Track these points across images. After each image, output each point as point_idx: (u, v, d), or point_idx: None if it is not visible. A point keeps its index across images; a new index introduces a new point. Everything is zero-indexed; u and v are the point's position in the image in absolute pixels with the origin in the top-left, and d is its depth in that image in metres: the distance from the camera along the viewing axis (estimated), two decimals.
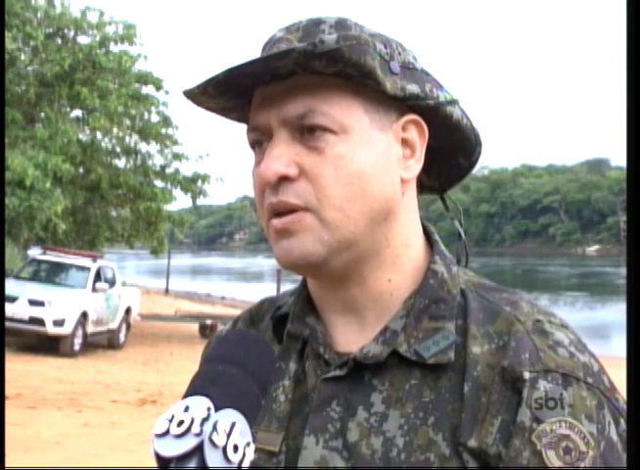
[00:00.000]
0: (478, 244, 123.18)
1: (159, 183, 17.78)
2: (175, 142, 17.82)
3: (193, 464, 0.67)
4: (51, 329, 13.28)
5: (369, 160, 0.87)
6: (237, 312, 1.17)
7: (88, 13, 16.56)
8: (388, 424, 0.85)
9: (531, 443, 0.80)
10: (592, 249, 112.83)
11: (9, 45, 14.17)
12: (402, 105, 0.91)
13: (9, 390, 8.56)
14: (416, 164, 0.92)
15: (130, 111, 16.46)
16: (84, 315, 14.05)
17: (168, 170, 17.85)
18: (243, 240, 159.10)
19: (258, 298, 1.12)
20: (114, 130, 16.66)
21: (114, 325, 15.44)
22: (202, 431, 0.68)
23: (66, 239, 16.89)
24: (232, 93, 0.91)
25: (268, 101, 0.89)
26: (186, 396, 0.72)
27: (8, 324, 12.16)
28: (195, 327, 18.23)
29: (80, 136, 16.54)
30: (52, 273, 15.02)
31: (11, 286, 13.40)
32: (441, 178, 1.03)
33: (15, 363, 11.26)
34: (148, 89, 17.42)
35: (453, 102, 0.94)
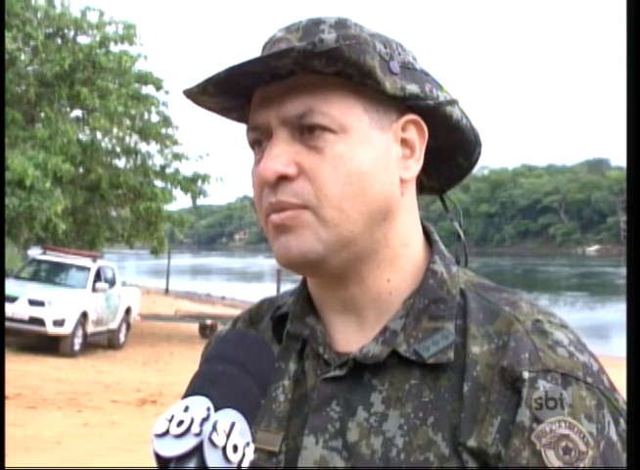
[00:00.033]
0: (478, 244, 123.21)
1: (159, 183, 17.78)
2: (175, 142, 17.82)
3: (192, 464, 0.67)
4: (51, 329, 13.28)
5: (368, 159, 0.87)
6: (237, 312, 1.17)
7: (88, 13, 16.56)
8: (387, 424, 0.85)
9: (531, 442, 0.80)
10: (592, 249, 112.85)
11: (9, 45, 14.17)
12: (402, 105, 0.91)
13: (9, 390, 8.56)
14: (415, 165, 0.92)
15: (130, 111, 16.46)
16: (84, 315, 14.05)
17: (168, 170, 17.85)
18: (243, 240, 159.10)
19: (258, 298, 1.12)
20: (114, 130, 16.66)
21: (113, 325, 15.44)
22: (201, 431, 0.68)
23: (66, 239, 16.89)
24: (232, 93, 0.91)
25: (268, 100, 0.89)
26: (186, 396, 0.72)
27: (8, 324, 12.16)
28: (195, 327, 18.22)
29: (80, 136, 16.55)
30: (52, 273, 15.02)
31: (11, 286, 13.40)
32: (441, 179, 1.03)
33: (15, 363, 11.27)
34: (148, 89, 17.44)
35: (453, 102, 0.94)
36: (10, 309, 12.69)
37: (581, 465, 0.79)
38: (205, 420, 0.68)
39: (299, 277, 0.99)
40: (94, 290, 14.51)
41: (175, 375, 11.63)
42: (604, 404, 0.82)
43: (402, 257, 0.92)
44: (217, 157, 24.46)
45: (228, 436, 0.68)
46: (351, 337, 0.92)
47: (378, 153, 0.89)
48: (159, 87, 17.34)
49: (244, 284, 42.44)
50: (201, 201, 18.42)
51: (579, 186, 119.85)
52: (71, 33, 16.62)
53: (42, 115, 16.01)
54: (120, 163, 17.66)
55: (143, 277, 39.68)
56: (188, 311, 21.07)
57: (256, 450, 0.73)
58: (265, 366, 0.78)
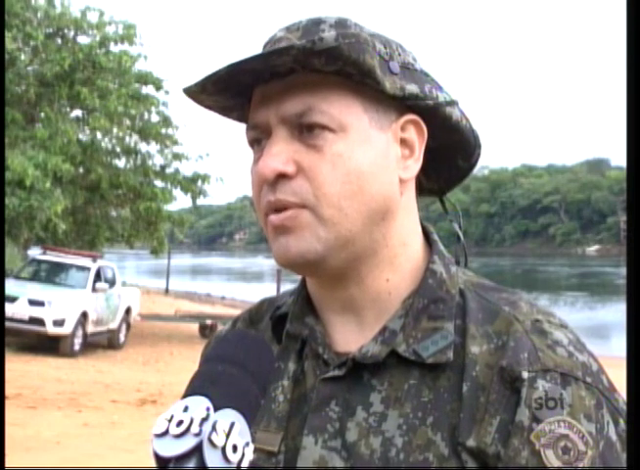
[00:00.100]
0: (478, 244, 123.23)
1: (159, 183, 17.78)
2: (175, 142, 17.82)
3: (192, 464, 0.67)
4: (51, 329, 13.28)
5: (367, 158, 0.88)
6: (237, 312, 1.17)
7: (88, 13, 16.56)
8: (386, 424, 0.85)
9: (530, 442, 0.80)
10: (592, 249, 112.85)
11: (9, 45, 14.17)
12: (401, 105, 0.91)
13: (9, 390, 8.56)
14: (415, 165, 0.92)
15: (130, 111, 16.46)
16: (84, 315, 14.05)
17: (168, 170, 17.85)
18: (243, 240, 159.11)
19: (258, 298, 1.12)
20: (114, 130, 16.66)
21: (114, 325, 15.44)
22: (201, 431, 0.68)
23: (66, 239, 16.89)
24: (232, 91, 0.91)
25: (267, 99, 0.89)
26: (185, 395, 0.72)
27: (8, 324, 12.16)
28: (195, 327, 18.22)
29: (80, 136, 16.55)
30: (52, 273, 15.02)
31: (11, 286, 13.40)
32: (440, 180, 1.03)
33: (15, 363, 11.27)
34: (148, 89, 17.43)
35: (452, 103, 0.94)
36: (10, 309, 12.69)
37: (580, 465, 0.79)
38: (204, 420, 0.68)
39: (299, 277, 0.99)
40: (94, 290, 14.51)
41: (175, 375, 11.63)
42: (603, 404, 0.82)
43: (401, 256, 0.92)
44: (217, 157, 24.46)
45: (227, 436, 0.68)
46: (351, 337, 0.92)
47: (377, 152, 0.89)
48: (159, 87, 17.34)
49: (244, 284, 42.44)
50: (201, 201, 18.44)
51: (579, 186, 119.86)
52: (71, 33, 16.62)
53: (42, 115, 16.01)
54: (120, 163, 17.69)
55: (143, 277, 39.68)
56: (188, 311, 21.07)
57: (256, 450, 0.73)
58: (265, 366, 0.78)
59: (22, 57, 16.03)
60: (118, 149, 17.35)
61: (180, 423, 0.68)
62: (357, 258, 0.89)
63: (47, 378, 10.80)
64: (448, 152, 0.98)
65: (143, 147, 17.57)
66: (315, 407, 0.89)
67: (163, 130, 17.45)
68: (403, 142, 0.91)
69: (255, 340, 0.82)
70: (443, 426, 0.83)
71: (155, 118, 17.49)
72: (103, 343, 15.32)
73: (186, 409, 0.69)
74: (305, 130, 0.87)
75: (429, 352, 0.86)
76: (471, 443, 0.82)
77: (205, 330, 17.49)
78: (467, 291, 0.91)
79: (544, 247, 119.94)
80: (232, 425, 0.69)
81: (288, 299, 1.01)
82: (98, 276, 14.87)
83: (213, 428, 0.68)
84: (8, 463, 2.85)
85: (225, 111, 0.97)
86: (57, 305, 13.37)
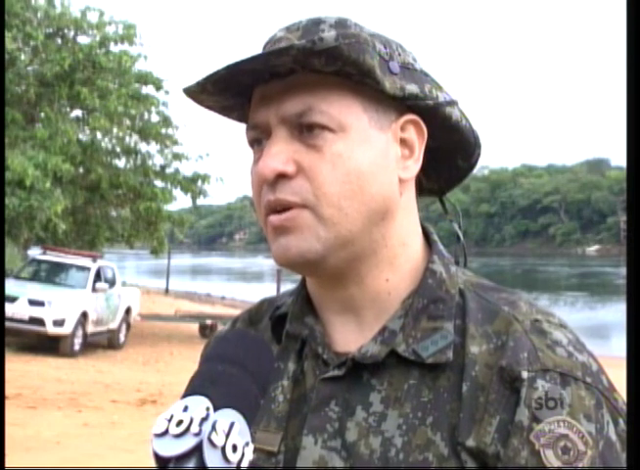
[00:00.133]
0: (478, 244, 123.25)
1: (159, 183, 17.78)
2: (175, 142, 17.81)
3: (192, 464, 0.67)
4: (51, 329, 13.28)
5: (367, 158, 0.88)
6: (237, 312, 1.17)
7: (88, 13, 16.56)
8: (386, 424, 0.85)
9: (530, 442, 0.80)
10: (592, 249, 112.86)
11: (9, 45, 14.17)
12: (401, 105, 0.91)
13: (9, 390, 8.56)
14: (414, 165, 0.92)
15: (130, 111, 16.46)
16: (84, 315, 14.05)
17: (168, 170, 17.85)
18: (243, 240, 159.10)
19: (258, 298, 1.12)
20: (114, 130, 16.66)
21: (114, 325, 15.44)
22: (200, 431, 0.68)
23: (66, 239, 16.89)
24: (232, 91, 0.91)
25: (267, 99, 0.89)
26: (185, 395, 0.72)
27: (8, 324, 12.16)
28: (195, 327, 18.22)
29: (80, 136, 16.55)
30: (52, 273, 15.02)
31: (11, 286, 13.40)
32: (440, 180, 1.03)
33: (15, 363, 11.26)
34: (148, 89, 17.43)
35: (452, 103, 0.94)
36: (10, 309, 12.69)
37: (580, 465, 0.79)
38: (204, 420, 0.68)
39: (300, 277, 0.99)
40: (94, 290, 14.51)
41: (175, 375, 11.62)
42: (603, 404, 0.82)
43: (401, 256, 0.92)
44: (217, 157, 24.45)
45: (227, 435, 0.68)
46: (350, 337, 0.92)
47: (377, 152, 0.89)
48: (159, 87, 17.34)
49: (244, 284, 42.45)
50: (201, 201, 18.44)
51: (579, 186, 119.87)
52: (71, 33, 16.62)
53: (42, 115, 16.01)
54: (120, 163, 17.69)
55: (143, 277, 39.69)
56: (188, 311, 21.07)
57: (255, 450, 0.73)
58: (265, 366, 0.78)
59: (22, 57, 16.03)
60: (118, 149, 17.35)
61: (180, 423, 0.68)
62: (357, 257, 0.89)
63: (47, 378, 10.80)
64: (448, 152, 0.98)
65: (143, 147, 17.60)
66: (315, 407, 0.89)
67: (163, 130, 17.45)
68: (403, 142, 0.91)
69: (255, 340, 0.82)
70: (443, 426, 0.83)
71: (155, 118, 17.50)
72: (103, 343, 15.32)
73: (186, 409, 0.69)
74: (305, 130, 0.87)
75: (428, 352, 0.86)
76: (470, 442, 0.82)
77: (205, 330, 17.49)
78: (466, 291, 0.91)
79: (544, 247, 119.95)
80: (232, 425, 0.69)
81: (287, 299, 1.01)
82: (98, 276, 14.87)
83: (213, 428, 0.68)
84: (8, 463, 2.85)
85: (225, 111, 0.97)
86: (57, 305, 13.37)
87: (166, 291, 32.30)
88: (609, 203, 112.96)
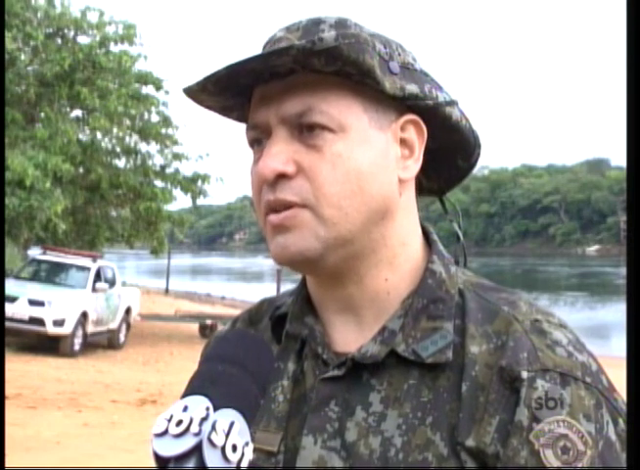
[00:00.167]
0: (478, 244, 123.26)
1: (159, 183, 17.78)
2: (175, 142, 17.82)
3: (191, 464, 0.67)
4: (51, 329, 13.28)
5: (367, 158, 0.88)
6: (237, 312, 1.17)
7: (88, 13, 16.56)
8: (386, 424, 0.85)
9: (529, 442, 0.80)
10: (592, 249, 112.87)
11: (9, 45, 14.17)
12: (401, 105, 0.91)
13: (9, 390, 8.56)
14: (414, 165, 0.92)
15: (130, 111, 16.46)
16: (84, 315, 14.05)
17: (168, 170, 17.85)
18: (243, 240, 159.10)
19: (258, 298, 1.12)
20: (114, 130, 16.66)
21: (114, 325, 15.44)
22: (200, 430, 0.68)
23: (66, 239, 16.89)
24: (232, 91, 0.91)
25: (267, 99, 0.89)
26: (185, 395, 0.72)
27: (8, 324, 12.15)
28: (195, 327, 18.22)
29: (80, 136, 16.55)
30: (52, 273, 15.02)
31: (11, 286, 13.40)
32: (440, 180, 1.03)
33: (15, 363, 11.26)
34: (148, 89, 17.43)
35: (452, 103, 0.94)
36: (10, 309, 12.69)
37: (580, 465, 0.79)
38: (204, 420, 0.68)
39: (300, 277, 0.99)
40: (94, 290, 14.51)
41: (175, 375, 11.62)
42: (602, 404, 0.82)
43: (401, 256, 0.92)
44: (217, 157, 24.43)
45: (227, 435, 0.68)
46: (350, 337, 0.92)
47: (377, 152, 0.89)
48: (159, 87, 17.34)
49: (244, 284, 42.46)
50: (201, 201, 18.44)
51: (579, 186, 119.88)
52: (71, 33, 16.62)
53: (42, 115, 16.01)
54: (120, 163, 17.69)
55: (143, 277, 39.69)
56: (188, 311, 21.07)
57: (255, 450, 0.73)
58: (265, 366, 0.78)
59: (23, 57, 16.03)
60: (118, 149, 17.35)
61: (180, 423, 0.68)
62: (356, 256, 0.90)
63: (47, 378, 10.80)
64: (448, 152, 0.98)
65: (143, 147, 17.60)
66: (315, 407, 0.89)
67: (163, 130, 17.45)
68: (403, 142, 0.91)
69: (255, 339, 0.82)
70: (443, 426, 0.83)
71: (155, 118, 17.50)
72: (103, 343, 15.32)
73: (185, 409, 0.69)
74: (305, 130, 0.87)
75: (428, 352, 0.86)
76: (470, 442, 0.82)
77: (205, 330, 17.49)
78: (466, 291, 0.91)
79: (544, 247, 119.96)
80: (231, 424, 0.69)
81: (287, 299, 1.01)
82: (98, 276, 14.87)
83: (213, 427, 0.68)
84: (8, 463, 2.85)
85: (225, 111, 0.97)
86: (57, 305, 13.37)
87: (166, 291, 32.31)
88: (609, 203, 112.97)
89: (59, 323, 13.32)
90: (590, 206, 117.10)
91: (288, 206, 0.87)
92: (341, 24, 0.90)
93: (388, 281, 0.91)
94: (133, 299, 16.74)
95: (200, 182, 17.66)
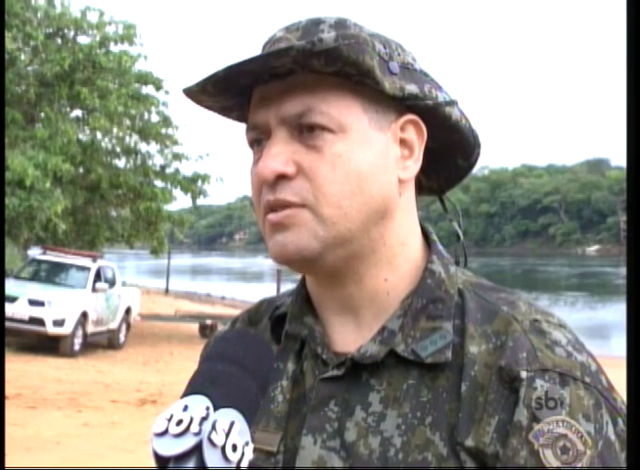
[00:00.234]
0: (478, 244, 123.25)
1: (159, 183, 17.77)
2: (175, 142, 17.81)
3: (191, 464, 0.67)
4: (51, 329, 13.28)
5: (367, 159, 0.88)
6: (237, 312, 1.17)
7: (88, 13, 16.55)
8: (385, 424, 0.85)
9: (529, 442, 0.80)
10: (592, 249, 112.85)
11: (9, 45, 14.16)
12: (401, 105, 0.91)
13: (9, 390, 8.56)
14: (414, 165, 0.92)
15: (130, 111, 16.45)
16: (84, 315, 14.05)
17: (168, 170, 17.84)
18: (243, 240, 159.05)
19: (258, 298, 1.12)
20: (114, 130, 16.65)
21: (114, 325, 15.44)
22: (200, 430, 0.67)
23: (66, 239, 16.89)
24: (232, 92, 0.91)
25: (267, 99, 0.89)
26: (185, 395, 0.72)
27: (8, 324, 12.15)
28: (195, 327, 18.22)
29: (80, 136, 16.54)
30: (52, 273, 15.02)
31: (11, 286, 13.39)
32: (440, 180, 1.03)
33: (15, 363, 11.26)
34: (148, 89, 17.43)
35: (452, 103, 0.94)
36: (10, 309, 12.69)
37: (579, 465, 0.79)
38: (204, 419, 0.68)
39: (300, 277, 0.99)
40: (94, 290, 14.51)
41: (175, 375, 11.62)
42: (602, 404, 0.82)
43: (400, 256, 0.92)
44: (217, 157, 24.42)
45: (227, 435, 0.68)
46: (349, 337, 0.92)
47: (376, 153, 0.89)
48: (159, 87, 17.34)
49: (244, 284, 42.45)
50: (201, 201, 18.43)
51: (579, 186, 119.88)
52: (71, 33, 16.61)
53: (42, 115, 16.00)
54: (120, 163, 17.68)
55: (143, 277, 39.68)
56: (188, 311, 21.07)
57: (255, 450, 0.73)
58: (264, 365, 0.78)
59: (23, 57, 16.03)
60: (118, 149, 17.35)
61: (180, 422, 0.68)
62: (355, 256, 0.90)
63: (47, 378, 10.80)
64: (448, 151, 0.98)
65: (143, 147, 17.59)
66: (314, 407, 0.89)
67: (163, 130, 17.44)
68: (403, 142, 0.92)
69: (255, 339, 0.82)
70: (442, 426, 0.83)
71: (155, 118, 17.49)
72: (103, 343, 15.31)
73: (186, 409, 0.69)
74: (305, 131, 0.87)
75: (427, 352, 0.86)
76: (469, 442, 0.82)
77: (206, 330, 17.48)
78: (465, 291, 0.91)
79: (544, 247, 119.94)
80: (232, 424, 0.69)
81: (287, 299, 1.01)
82: (98, 276, 14.87)
83: (213, 427, 0.68)
84: (8, 463, 2.85)
85: (225, 111, 0.97)
86: (57, 305, 13.36)
87: (166, 291, 32.30)
88: (609, 203, 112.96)
89: (59, 323, 13.32)
90: (590, 206, 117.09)
91: (287, 206, 0.87)
92: (340, 25, 0.90)
93: (388, 281, 0.91)
94: (133, 299, 16.74)
95: (200, 182, 17.66)
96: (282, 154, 0.87)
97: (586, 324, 21.69)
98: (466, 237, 1.02)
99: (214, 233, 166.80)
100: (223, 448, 0.67)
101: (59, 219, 14.37)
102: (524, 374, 0.82)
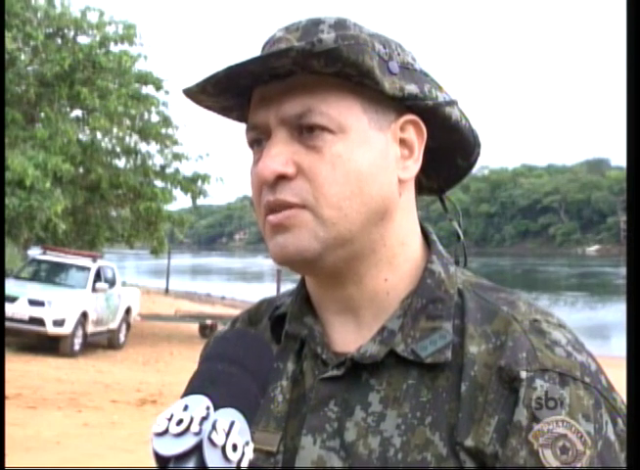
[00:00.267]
0: (478, 244, 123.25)
1: (159, 183, 17.77)
2: (175, 142, 17.81)
3: (192, 463, 0.67)
4: (51, 329, 13.27)
5: (367, 159, 0.88)
6: (237, 312, 1.17)
7: (88, 13, 16.55)
8: (385, 424, 0.85)
9: (528, 442, 0.80)
10: (592, 249, 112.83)
11: (9, 45, 14.16)
12: (401, 105, 0.91)
13: (9, 390, 8.56)
14: (414, 165, 0.92)
15: (130, 111, 16.45)
16: (84, 315, 14.05)
17: (168, 170, 17.84)
18: (243, 240, 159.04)
19: (258, 298, 1.12)
20: (114, 130, 16.65)
21: (114, 325, 15.43)
22: (201, 430, 0.68)
23: (66, 239, 16.89)
24: (231, 92, 0.91)
25: (267, 100, 0.89)
26: (185, 394, 0.72)
27: (8, 324, 12.15)
28: (195, 327, 18.22)
29: (80, 136, 16.54)
30: (52, 273, 15.01)
31: (11, 286, 13.39)
32: (440, 179, 1.03)
33: (15, 363, 11.26)
34: (148, 89, 17.43)
35: (452, 103, 0.94)
36: (10, 309, 12.68)
37: (579, 465, 0.79)
38: (204, 419, 0.68)
39: (300, 277, 0.99)
40: (94, 290, 14.50)
41: (175, 375, 11.62)
42: (602, 404, 0.82)
43: (400, 256, 0.92)
44: (217, 157, 24.42)
45: (227, 435, 0.68)
46: (349, 337, 0.92)
47: (376, 153, 0.89)
48: (159, 87, 17.34)
49: (244, 284, 42.44)
50: (201, 201, 18.43)
51: (579, 186, 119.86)
52: (71, 33, 16.61)
53: (42, 115, 16.00)
54: (120, 163, 17.68)
55: (143, 277, 39.68)
56: (188, 311, 21.06)
57: (255, 450, 0.73)
58: (264, 365, 0.78)
59: (23, 57, 16.02)
60: (118, 149, 17.35)
61: (180, 422, 0.68)
62: (355, 256, 0.90)
63: (47, 378, 10.79)
64: (448, 151, 0.99)
65: (143, 147, 17.59)
66: (314, 407, 0.89)
67: (163, 130, 17.44)
68: (402, 142, 0.92)
69: (255, 339, 0.82)
70: (442, 426, 0.83)
71: (155, 118, 17.49)
72: (103, 343, 15.31)
73: (186, 408, 0.69)
74: (305, 131, 0.87)
75: (427, 352, 0.86)
76: (469, 442, 0.82)
77: (206, 330, 17.48)
78: (465, 291, 0.91)
79: (544, 247, 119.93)
80: (232, 424, 0.69)
81: (287, 299, 1.01)
82: (98, 276, 14.87)
83: (213, 427, 0.68)
84: (8, 463, 2.85)
85: (225, 111, 0.97)
86: (57, 305, 13.36)
87: (166, 291, 32.30)
88: (609, 203, 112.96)
89: (59, 323, 13.32)
90: (590, 206, 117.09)
91: (288, 206, 0.87)
92: (340, 25, 0.90)
93: (388, 281, 0.91)
94: (133, 299, 16.74)
95: (200, 182, 17.66)
96: (282, 154, 0.87)
97: (586, 324, 21.69)
98: (466, 237, 1.02)
99: (214, 233, 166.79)
100: (223, 448, 0.67)
101: (59, 219, 14.37)
102: (523, 374, 0.82)
